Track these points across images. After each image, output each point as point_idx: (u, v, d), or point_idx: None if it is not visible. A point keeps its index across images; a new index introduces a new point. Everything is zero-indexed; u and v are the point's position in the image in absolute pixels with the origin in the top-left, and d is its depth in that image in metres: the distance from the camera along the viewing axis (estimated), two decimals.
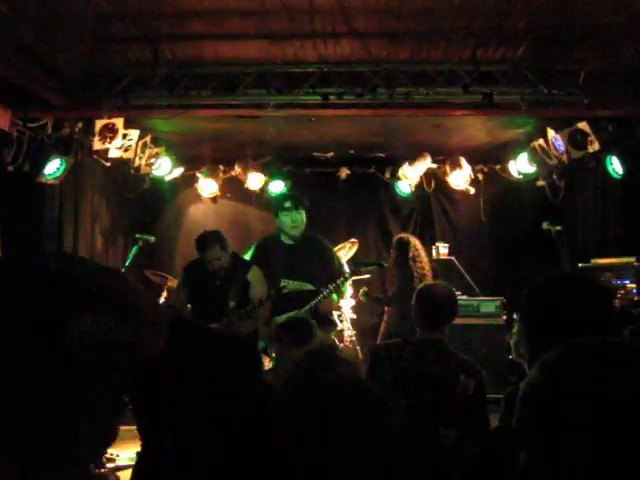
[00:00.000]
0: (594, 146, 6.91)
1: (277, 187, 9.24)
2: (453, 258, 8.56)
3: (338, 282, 5.98)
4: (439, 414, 3.48)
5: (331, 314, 6.43)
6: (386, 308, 7.76)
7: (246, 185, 9.38)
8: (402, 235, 8.14)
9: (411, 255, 7.65)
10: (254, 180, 9.32)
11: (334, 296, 6.03)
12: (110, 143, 6.93)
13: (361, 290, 7.95)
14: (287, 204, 6.18)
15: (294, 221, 6.14)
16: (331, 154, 9.31)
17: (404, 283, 7.40)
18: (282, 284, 5.96)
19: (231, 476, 1.98)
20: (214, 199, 9.74)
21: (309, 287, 6.02)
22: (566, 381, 1.10)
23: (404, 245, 7.75)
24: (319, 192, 9.33)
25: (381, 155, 9.49)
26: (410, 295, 4.21)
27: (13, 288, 1.00)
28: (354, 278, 6.75)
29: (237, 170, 9.38)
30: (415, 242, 7.85)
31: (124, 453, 5.85)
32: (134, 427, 2.58)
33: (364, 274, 7.17)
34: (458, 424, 3.46)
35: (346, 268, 7.66)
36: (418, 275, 7.51)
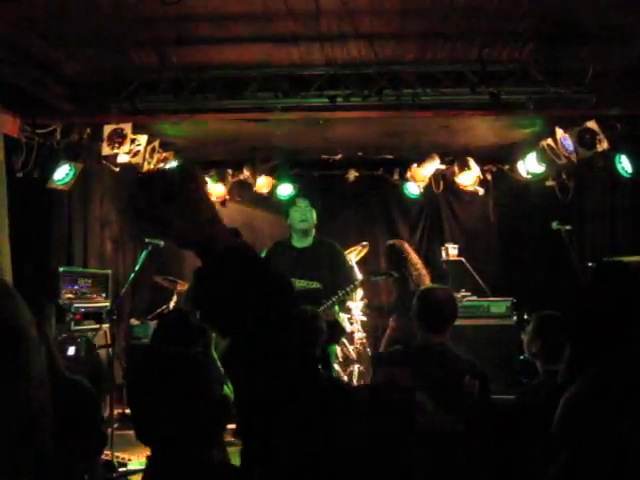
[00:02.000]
0: (603, 145, 6.88)
1: (285, 190, 9.24)
2: (463, 259, 8.52)
3: (348, 289, 5.99)
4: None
5: (339, 319, 6.40)
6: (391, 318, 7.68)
7: (255, 188, 9.39)
8: (390, 242, 8.07)
9: (402, 257, 7.60)
10: (263, 183, 9.32)
11: (336, 307, 6.02)
12: (119, 148, 6.95)
13: (361, 305, 7.92)
14: (298, 200, 6.26)
15: (303, 215, 6.15)
16: (339, 156, 9.31)
17: (402, 288, 7.38)
18: None
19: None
20: (223, 203, 9.74)
21: (315, 285, 6.01)
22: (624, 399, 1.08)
23: (394, 250, 7.71)
24: (327, 194, 9.32)
25: (389, 157, 9.47)
26: (410, 299, 4.21)
27: None
28: (380, 278, 6.79)
29: (245, 174, 9.38)
30: (404, 245, 7.82)
31: (135, 457, 5.87)
32: None
33: (374, 281, 7.19)
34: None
35: (356, 271, 7.67)
36: (414, 277, 7.44)
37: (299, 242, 6.28)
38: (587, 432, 1.08)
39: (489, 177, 9.39)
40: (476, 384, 3.70)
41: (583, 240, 8.26)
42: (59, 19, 5.30)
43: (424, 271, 7.63)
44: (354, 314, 8.39)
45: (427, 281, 7.45)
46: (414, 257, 7.73)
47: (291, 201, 6.42)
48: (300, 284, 6.01)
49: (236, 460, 3.04)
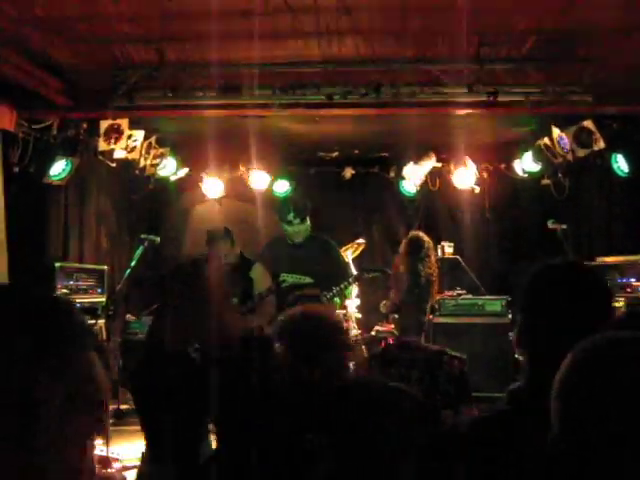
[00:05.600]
0: (599, 144, 6.89)
1: (282, 187, 9.24)
2: (458, 257, 8.54)
3: (342, 286, 5.99)
4: (433, 395, 3.74)
5: None
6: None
7: (251, 185, 9.38)
8: (416, 233, 7.83)
9: (422, 255, 7.39)
10: (259, 180, 9.31)
11: (336, 300, 6.03)
12: (115, 144, 6.95)
13: (381, 304, 7.79)
14: (290, 217, 6.18)
15: (296, 232, 6.15)
16: (336, 154, 9.31)
17: (412, 284, 7.23)
18: (281, 278, 5.97)
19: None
20: (219, 199, 9.75)
21: (307, 280, 6.02)
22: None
23: (417, 244, 7.49)
24: (324, 192, 9.33)
25: (386, 154, 9.48)
26: (418, 297, 4.31)
27: None
28: (373, 275, 6.75)
29: (242, 170, 9.38)
30: (429, 243, 7.58)
31: (130, 453, 5.87)
32: (139, 427, 2.59)
33: (368, 277, 7.11)
34: (452, 403, 3.72)
35: (352, 268, 7.64)
36: (425, 275, 7.31)
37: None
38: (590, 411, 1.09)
39: (485, 175, 9.40)
40: (455, 363, 3.85)
41: (579, 239, 8.28)
42: (56, 13, 5.28)
43: (435, 275, 7.46)
44: (349, 311, 8.38)
45: (436, 283, 7.37)
46: (433, 257, 7.55)
47: (282, 215, 6.28)
48: (292, 279, 6.02)
49: None
